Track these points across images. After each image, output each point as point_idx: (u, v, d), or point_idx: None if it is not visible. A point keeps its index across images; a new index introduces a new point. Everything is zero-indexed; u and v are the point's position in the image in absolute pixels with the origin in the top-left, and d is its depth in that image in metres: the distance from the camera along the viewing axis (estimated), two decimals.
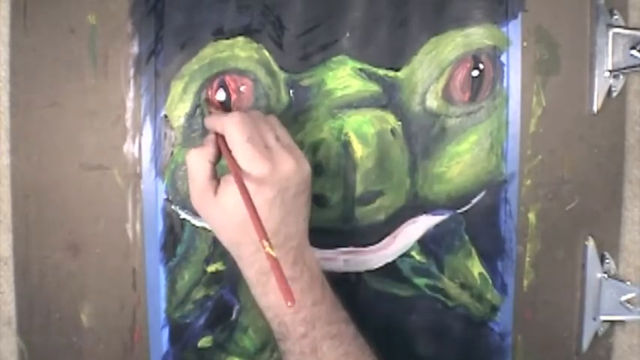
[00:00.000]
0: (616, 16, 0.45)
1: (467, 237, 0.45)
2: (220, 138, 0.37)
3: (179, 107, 0.43)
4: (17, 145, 0.44)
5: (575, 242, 0.46)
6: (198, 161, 0.36)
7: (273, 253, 0.31)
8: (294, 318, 0.36)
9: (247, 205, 0.32)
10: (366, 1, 0.43)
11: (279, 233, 0.35)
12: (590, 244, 0.46)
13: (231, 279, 0.44)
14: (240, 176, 0.34)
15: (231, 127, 0.35)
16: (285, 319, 0.36)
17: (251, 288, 0.37)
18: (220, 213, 0.36)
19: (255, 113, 0.38)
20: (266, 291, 0.36)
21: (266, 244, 0.31)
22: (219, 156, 0.37)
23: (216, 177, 0.37)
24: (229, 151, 0.35)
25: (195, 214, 0.43)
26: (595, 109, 0.45)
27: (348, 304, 0.39)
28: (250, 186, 0.34)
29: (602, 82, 0.45)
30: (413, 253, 0.44)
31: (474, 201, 0.44)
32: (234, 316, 0.44)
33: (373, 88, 0.43)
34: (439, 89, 0.44)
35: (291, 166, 0.35)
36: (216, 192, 0.36)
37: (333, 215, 0.44)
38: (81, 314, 0.44)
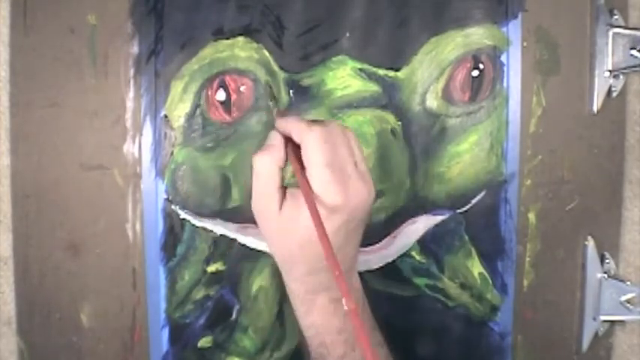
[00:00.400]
0: (616, 16, 0.45)
1: (467, 237, 0.45)
2: (291, 144, 0.34)
3: (179, 107, 0.43)
4: (17, 145, 0.44)
5: (575, 242, 0.46)
6: (268, 166, 0.34)
7: (353, 308, 0.29)
8: (336, 339, 0.35)
9: (325, 247, 0.30)
10: (366, 1, 0.43)
11: None
12: (590, 244, 0.46)
13: (231, 279, 0.44)
14: (314, 204, 0.31)
15: (313, 145, 0.32)
16: (326, 340, 0.35)
17: (293, 303, 0.36)
18: (281, 229, 0.34)
19: (335, 129, 0.34)
20: (311, 310, 0.35)
21: (344, 301, 0.28)
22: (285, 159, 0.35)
23: (283, 185, 0.34)
24: (302, 167, 0.33)
25: (196, 214, 0.43)
26: (595, 109, 0.45)
27: None
28: (319, 211, 0.32)
29: (602, 82, 0.45)
30: (413, 253, 0.44)
31: (474, 201, 0.44)
32: (234, 316, 0.44)
33: (373, 88, 0.43)
34: (439, 89, 0.44)
35: (364, 198, 0.33)
36: (281, 204, 0.33)
37: None
38: (81, 314, 0.44)
